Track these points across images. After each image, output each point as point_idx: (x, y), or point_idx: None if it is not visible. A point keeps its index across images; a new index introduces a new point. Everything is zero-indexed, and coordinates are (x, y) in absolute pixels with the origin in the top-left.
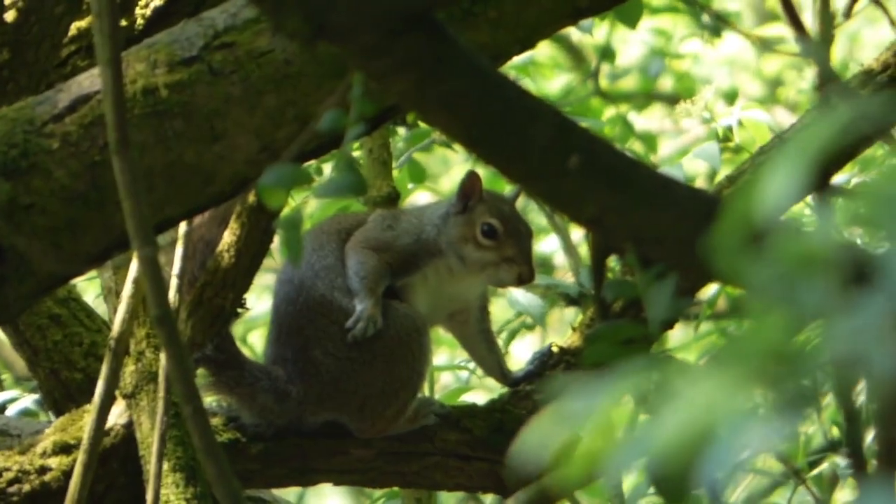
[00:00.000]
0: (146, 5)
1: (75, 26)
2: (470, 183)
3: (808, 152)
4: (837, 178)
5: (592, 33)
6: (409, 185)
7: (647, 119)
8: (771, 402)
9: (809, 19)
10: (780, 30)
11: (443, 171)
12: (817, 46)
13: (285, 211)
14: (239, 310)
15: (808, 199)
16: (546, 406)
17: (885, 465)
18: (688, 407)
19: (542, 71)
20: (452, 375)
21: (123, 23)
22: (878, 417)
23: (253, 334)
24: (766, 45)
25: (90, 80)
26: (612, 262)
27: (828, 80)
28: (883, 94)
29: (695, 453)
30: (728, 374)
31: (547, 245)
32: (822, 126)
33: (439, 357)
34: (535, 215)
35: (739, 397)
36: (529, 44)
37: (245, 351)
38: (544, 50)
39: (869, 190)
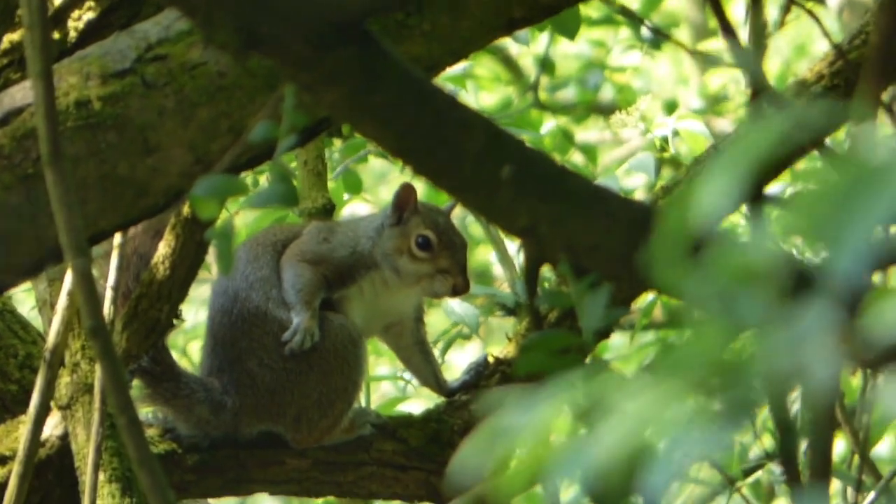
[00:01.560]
0: (79, 18)
1: (7, 39)
2: (405, 194)
3: (744, 161)
4: (771, 189)
5: (529, 45)
6: (345, 196)
7: (588, 131)
8: (708, 413)
9: (744, 32)
10: (720, 45)
11: (379, 182)
12: (750, 56)
13: (219, 222)
14: (174, 321)
15: (744, 209)
16: (482, 420)
17: (819, 474)
18: (624, 419)
19: (482, 83)
20: (393, 385)
21: (56, 35)
22: (813, 427)
23: (193, 345)
24: (707, 60)
25: (22, 93)
26: (548, 272)
27: (760, 90)
28: (817, 104)
29: (633, 466)
30: (665, 385)
31: (486, 255)
32: (758, 135)
33: (380, 368)
34: (476, 226)
35: (677, 408)
36: (463, 55)
37: (185, 362)
38: (483, 63)
39: (803, 200)
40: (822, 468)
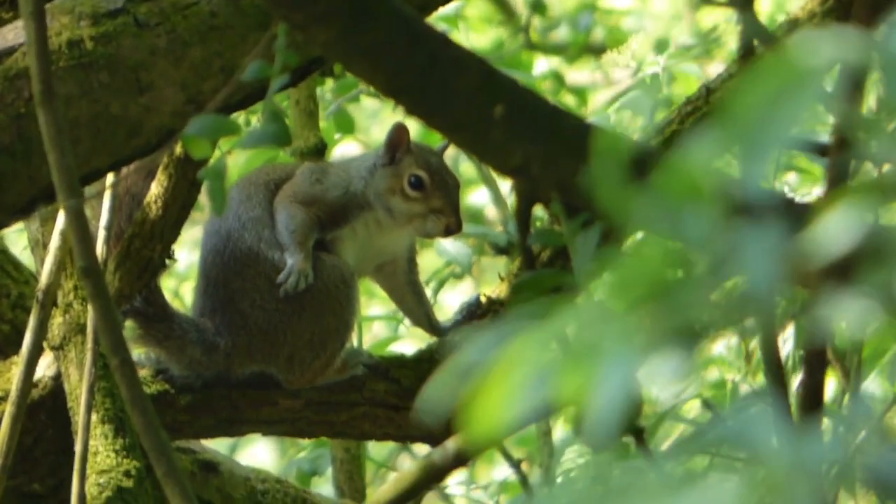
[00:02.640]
0: None
1: None
2: (397, 134)
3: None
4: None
5: None
6: (336, 136)
7: (579, 72)
8: (660, 335)
9: None
10: None
11: (371, 121)
12: None
13: (211, 162)
14: (167, 261)
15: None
16: (450, 356)
17: (809, 409)
18: (577, 342)
19: (473, 25)
20: (385, 326)
21: None
22: (804, 361)
23: (185, 287)
24: (695, 3)
25: (14, 33)
26: (540, 211)
27: (753, 30)
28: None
29: (587, 389)
30: (616, 308)
31: (478, 196)
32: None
33: (373, 308)
34: (468, 166)
35: (628, 331)
36: None
37: (177, 304)
38: (475, 4)
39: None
40: (813, 402)
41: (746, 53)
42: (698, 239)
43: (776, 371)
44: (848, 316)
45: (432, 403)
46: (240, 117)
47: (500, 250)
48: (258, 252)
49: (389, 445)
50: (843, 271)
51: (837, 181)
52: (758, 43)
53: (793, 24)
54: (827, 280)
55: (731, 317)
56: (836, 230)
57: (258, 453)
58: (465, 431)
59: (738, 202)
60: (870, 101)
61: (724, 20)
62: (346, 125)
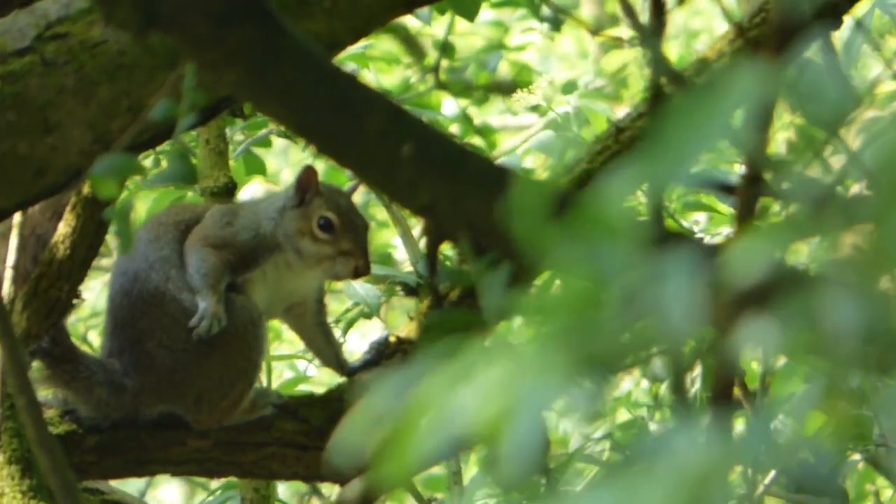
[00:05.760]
0: None
1: None
2: (306, 176)
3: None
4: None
5: (431, 24)
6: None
7: (487, 113)
8: (573, 369)
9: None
10: (618, 33)
11: (279, 160)
12: (650, 34)
13: (119, 201)
14: (75, 301)
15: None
16: (356, 402)
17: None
18: (490, 379)
19: (380, 65)
20: (290, 368)
21: None
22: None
23: (92, 333)
24: (605, 45)
25: None
26: (450, 250)
27: (661, 68)
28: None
29: (501, 427)
30: (530, 344)
31: (389, 237)
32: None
33: (279, 349)
34: (378, 208)
35: (543, 367)
36: (364, 33)
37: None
38: (381, 45)
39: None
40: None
41: (655, 93)
42: (613, 275)
43: (683, 405)
44: (761, 343)
45: (344, 446)
46: (149, 156)
47: (410, 291)
48: (165, 292)
49: (300, 486)
50: (756, 302)
51: (746, 218)
52: (666, 82)
53: (702, 64)
54: (740, 312)
55: (644, 350)
56: (748, 259)
57: (168, 494)
58: (375, 470)
59: (651, 238)
60: (778, 139)
61: (630, 61)
62: (257, 167)
